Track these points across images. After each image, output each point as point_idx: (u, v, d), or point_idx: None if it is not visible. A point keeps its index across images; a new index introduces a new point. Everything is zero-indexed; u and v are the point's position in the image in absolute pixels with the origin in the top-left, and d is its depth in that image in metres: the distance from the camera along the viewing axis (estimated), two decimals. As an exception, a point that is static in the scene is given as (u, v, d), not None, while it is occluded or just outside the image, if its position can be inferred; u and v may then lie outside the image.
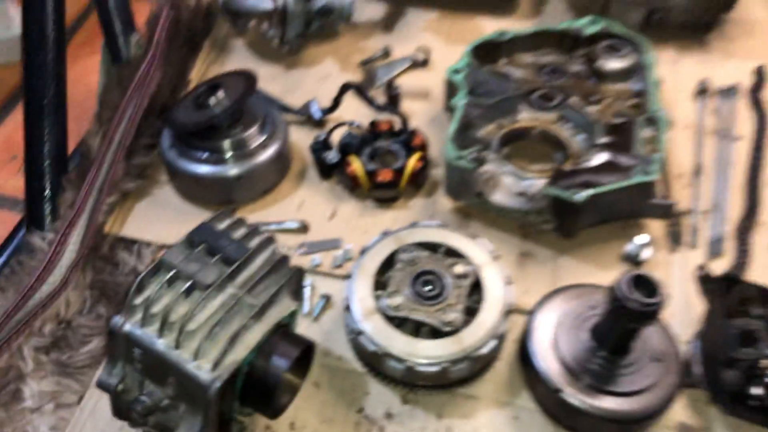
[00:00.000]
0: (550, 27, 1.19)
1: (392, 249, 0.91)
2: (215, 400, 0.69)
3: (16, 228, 1.06)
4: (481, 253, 0.90)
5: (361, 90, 1.13)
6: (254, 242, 0.78)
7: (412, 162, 1.05)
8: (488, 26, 1.33)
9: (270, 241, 0.79)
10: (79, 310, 0.93)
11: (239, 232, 0.78)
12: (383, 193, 1.05)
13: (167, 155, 1.05)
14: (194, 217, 1.04)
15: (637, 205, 0.98)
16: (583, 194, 0.92)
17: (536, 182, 0.99)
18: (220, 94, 1.03)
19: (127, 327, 0.70)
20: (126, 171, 1.07)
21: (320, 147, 1.08)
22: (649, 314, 0.75)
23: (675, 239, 1.01)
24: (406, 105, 1.20)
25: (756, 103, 1.18)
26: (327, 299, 0.96)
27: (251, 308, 0.73)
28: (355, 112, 1.17)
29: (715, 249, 1.00)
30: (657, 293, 0.75)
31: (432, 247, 0.91)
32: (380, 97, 1.20)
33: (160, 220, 1.06)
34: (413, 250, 0.90)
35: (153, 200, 1.09)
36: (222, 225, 0.78)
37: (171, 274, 0.72)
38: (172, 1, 1.26)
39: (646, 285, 0.75)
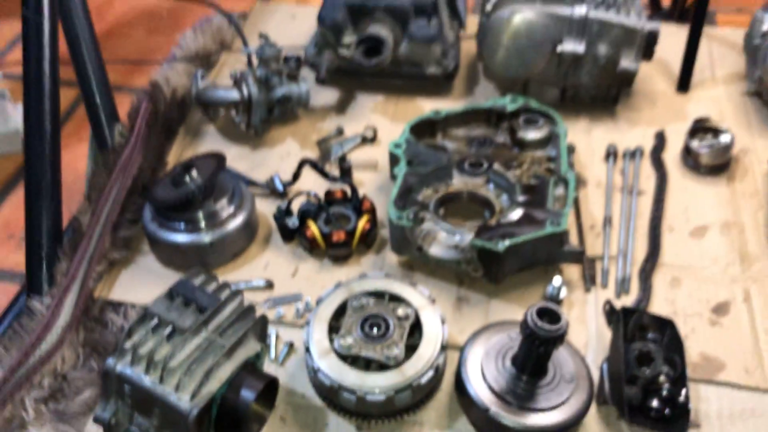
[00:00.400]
0: (478, 105, 1.38)
1: (344, 298, 1.06)
2: (194, 426, 0.83)
3: (17, 296, 1.20)
4: (420, 297, 1.06)
5: (316, 165, 1.30)
6: (224, 294, 0.93)
7: (362, 224, 1.22)
8: (427, 106, 1.53)
9: (238, 293, 0.95)
10: (73, 365, 1.07)
11: (212, 286, 0.94)
12: (338, 251, 1.21)
13: (149, 227, 1.21)
14: (173, 281, 1.19)
15: (552, 252, 1.15)
16: (504, 244, 1.09)
17: (467, 236, 1.16)
18: (194, 173, 1.19)
19: (119, 367, 0.84)
20: (112, 243, 1.22)
21: (282, 214, 1.25)
22: (554, 339, 0.91)
23: (589, 281, 1.18)
24: (357, 175, 1.38)
25: (657, 162, 1.38)
26: (290, 346, 1.11)
27: (222, 348, 0.88)
28: (312, 184, 1.34)
29: (622, 288, 1.17)
30: (559, 321, 0.91)
31: (378, 295, 1.07)
32: (335, 170, 1.38)
33: (143, 284, 1.20)
34: (362, 297, 1.06)
35: (137, 267, 1.24)
36: (197, 281, 0.93)
37: (155, 321, 0.87)
38: (151, 95, 1.45)
39: (550, 315, 0.92)
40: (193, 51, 1.64)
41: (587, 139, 1.44)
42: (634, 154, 1.39)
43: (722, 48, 1.65)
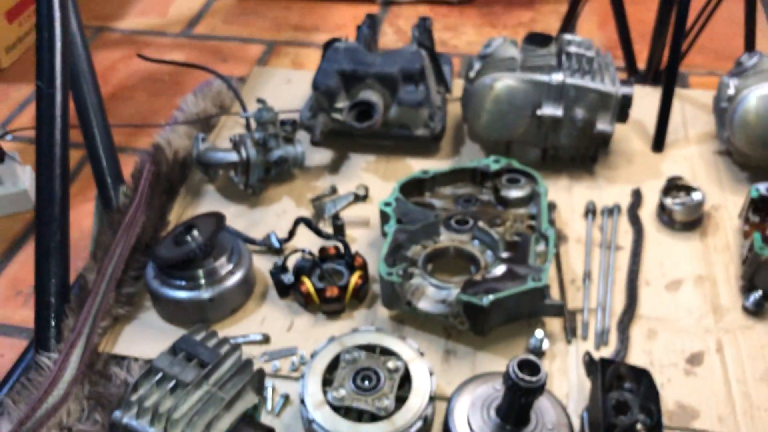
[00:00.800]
0: (463, 165, 1.47)
1: (337, 351, 1.12)
2: (195, 475, 0.88)
3: (25, 351, 1.25)
4: (409, 351, 1.12)
5: (311, 223, 1.37)
6: (224, 349, 0.99)
7: (354, 279, 1.28)
8: (416, 165, 1.61)
9: (236, 347, 1.01)
10: (78, 418, 1.11)
11: (212, 342, 1.00)
12: (331, 306, 1.28)
13: (151, 284, 1.27)
14: (174, 335, 1.24)
15: (534, 305, 1.21)
16: (488, 298, 1.15)
17: (453, 291, 1.23)
18: (195, 232, 1.26)
19: (125, 419, 0.90)
20: (116, 299, 1.28)
21: (278, 271, 1.31)
22: (535, 389, 0.97)
23: (570, 333, 1.24)
24: (350, 232, 1.45)
25: (634, 219, 1.45)
26: (286, 398, 1.16)
27: (222, 401, 0.93)
28: (307, 241, 1.41)
29: (601, 339, 1.23)
30: (539, 372, 0.97)
31: (370, 348, 1.13)
32: (328, 227, 1.45)
33: (146, 339, 1.26)
34: (354, 351, 1.11)
35: (139, 323, 1.29)
36: (199, 336, 0.99)
37: (159, 376, 0.92)
38: (153, 156, 1.52)
39: (531, 367, 0.98)
40: (193, 114, 1.73)
41: (568, 197, 1.52)
42: (612, 211, 1.46)
43: (694, 109, 1.74)
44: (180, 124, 1.68)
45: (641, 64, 1.89)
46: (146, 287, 1.29)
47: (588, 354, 1.14)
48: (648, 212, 1.47)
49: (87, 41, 1.38)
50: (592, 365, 1.13)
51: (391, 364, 1.09)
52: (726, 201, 1.48)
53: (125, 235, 1.35)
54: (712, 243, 1.40)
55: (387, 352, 1.12)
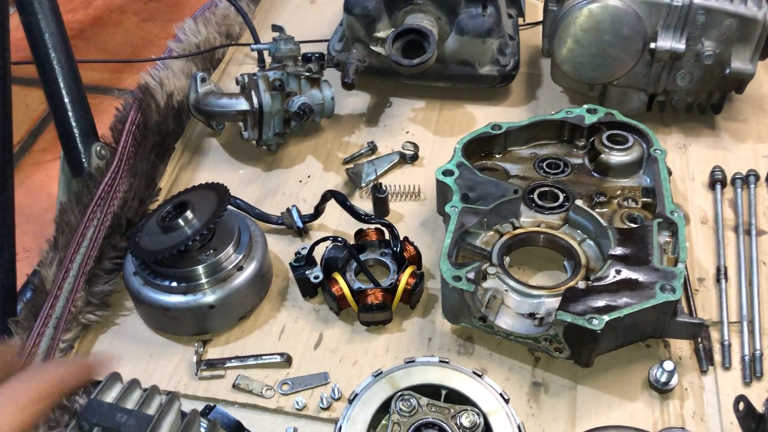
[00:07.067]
0: (545, 117, 1.10)
1: (386, 395, 0.79)
2: None
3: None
4: (490, 396, 0.79)
5: (345, 201, 1.02)
6: (154, 405, 0.64)
7: (405, 279, 0.94)
8: (478, 114, 1.24)
9: (173, 400, 0.66)
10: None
11: (134, 397, 0.65)
12: (374, 316, 0.94)
13: (131, 283, 0.94)
14: (165, 350, 0.94)
15: (660, 325, 0.87)
16: (602, 320, 0.81)
17: (546, 300, 0.89)
18: (189, 214, 0.92)
19: None
20: (87, 302, 0.96)
21: (302, 264, 0.97)
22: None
23: (706, 360, 0.89)
24: (396, 206, 1.10)
25: (776, 190, 1.08)
26: (314, 449, 0.84)
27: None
28: (338, 219, 1.07)
29: (752, 370, 0.88)
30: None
31: (432, 391, 0.80)
32: (367, 201, 1.10)
33: (129, 354, 0.94)
34: (410, 396, 0.78)
35: (118, 332, 0.97)
36: (112, 394, 0.64)
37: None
38: (140, 103, 1.17)
39: None
40: (193, 45, 1.36)
41: (682, 160, 1.15)
42: (747, 180, 1.09)
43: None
44: (175, 58, 1.32)
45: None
46: (125, 285, 0.96)
47: (743, 400, 0.80)
48: (795, 182, 1.10)
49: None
50: (749, 418, 0.79)
51: (465, 420, 0.76)
52: None
53: (99, 212, 1.02)
54: None
55: (457, 398, 0.79)
